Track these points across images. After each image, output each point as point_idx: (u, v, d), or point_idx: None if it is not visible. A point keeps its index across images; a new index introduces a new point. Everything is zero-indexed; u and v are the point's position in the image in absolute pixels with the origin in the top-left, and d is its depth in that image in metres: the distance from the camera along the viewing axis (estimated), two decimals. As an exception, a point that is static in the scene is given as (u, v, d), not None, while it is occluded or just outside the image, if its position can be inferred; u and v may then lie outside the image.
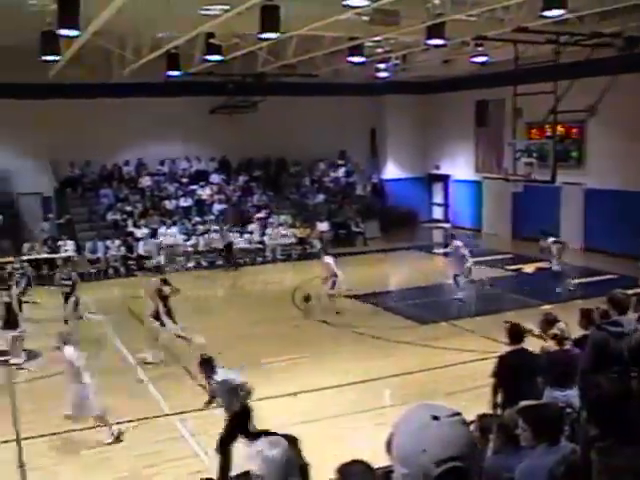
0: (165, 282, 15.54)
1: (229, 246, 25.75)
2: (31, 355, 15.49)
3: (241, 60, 23.13)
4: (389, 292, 19.88)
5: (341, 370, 13.68)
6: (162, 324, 14.93)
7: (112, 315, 18.54)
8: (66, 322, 16.51)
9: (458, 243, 19.57)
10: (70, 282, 17.12)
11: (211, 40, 19.20)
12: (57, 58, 18.97)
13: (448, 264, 19.89)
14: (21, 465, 9.86)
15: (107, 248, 25.27)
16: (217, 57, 19.92)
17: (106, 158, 28.51)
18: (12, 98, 25.08)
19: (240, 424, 9.00)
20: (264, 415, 11.13)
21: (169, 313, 15.13)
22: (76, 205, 27.48)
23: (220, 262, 25.69)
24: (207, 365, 9.41)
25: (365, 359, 14.39)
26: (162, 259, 24.99)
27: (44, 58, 18.57)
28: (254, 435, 8.78)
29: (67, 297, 17.03)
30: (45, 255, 24.34)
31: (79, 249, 25.05)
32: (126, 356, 15.10)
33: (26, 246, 24.68)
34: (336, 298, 18.31)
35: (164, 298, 15.15)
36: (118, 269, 25.06)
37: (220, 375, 9.27)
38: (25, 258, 20.58)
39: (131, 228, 26.54)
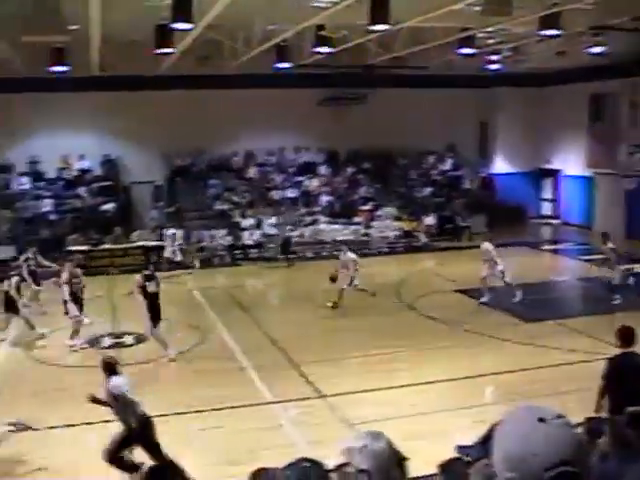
0: (149, 278, 14.46)
1: (287, 241, 25.58)
2: (140, 338, 16.00)
3: (350, 52, 23.08)
4: (493, 288, 19.45)
5: (442, 365, 13.51)
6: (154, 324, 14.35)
7: (216, 302, 18.89)
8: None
9: (488, 246, 18.80)
10: (79, 279, 16.38)
11: (320, 32, 19.23)
12: (171, 51, 19.42)
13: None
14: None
15: (213, 237, 25.80)
16: (326, 49, 19.94)
17: (215, 148, 29.10)
18: (127, 90, 25.93)
19: (137, 440, 8.54)
20: (366, 408, 11.12)
21: (153, 311, 14.27)
22: (185, 194, 28.13)
23: (325, 253, 25.74)
24: (107, 369, 8.82)
25: (467, 355, 14.16)
26: (177, 255, 24.51)
27: (158, 51, 19.07)
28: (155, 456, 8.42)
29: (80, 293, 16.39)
30: (154, 242, 25.04)
31: (187, 237, 25.67)
32: (229, 343, 15.34)
33: (135, 234, 25.47)
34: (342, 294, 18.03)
35: (150, 295, 14.26)
36: (224, 258, 25.52)
37: (114, 382, 8.67)
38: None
39: (238, 218, 26.99)
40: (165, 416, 11.09)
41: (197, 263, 24.35)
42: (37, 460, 9.58)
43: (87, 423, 10.95)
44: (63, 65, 21.63)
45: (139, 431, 8.50)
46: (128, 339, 16.10)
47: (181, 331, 16.46)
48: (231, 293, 20.58)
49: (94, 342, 15.86)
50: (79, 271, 16.59)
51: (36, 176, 27.82)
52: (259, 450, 9.46)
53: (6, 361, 14.77)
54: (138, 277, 14.52)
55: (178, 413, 11.19)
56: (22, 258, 19.50)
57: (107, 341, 15.98)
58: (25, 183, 27.52)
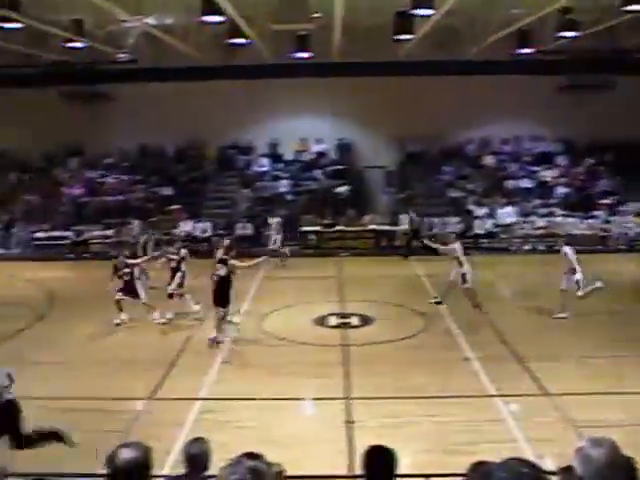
0: (223, 262, 14.82)
1: (416, 233, 24.62)
2: (366, 320, 16.27)
3: (597, 36, 21.83)
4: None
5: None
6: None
7: (443, 290, 18.72)
8: (170, 297, 16.49)
9: (567, 250, 16.63)
10: (177, 257, 16.76)
11: (567, 15, 18.41)
12: (409, 37, 19.48)
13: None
14: (349, 422, 10.42)
15: (444, 224, 25.66)
16: (571, 33, 19.06)
17: (449, 135, 28.79)
18: (364, 76, 26.35)
19: (4, 422, 8.14)
20: (592, 411, 10.56)
21: (217, 294, 14.46)
22: (417, 180, 28.16)
23: (542, 248, 24.64)
24: None
25: None
26: (278, 243, 23.90)
27: (397, 37, 19.21)
28: (26, 438, 8.09)
29: (174, 271, 16.64)
30: (385, 227, 25.34)
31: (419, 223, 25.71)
32: (454, 332, 15.19)
33: (366, 217, 25.91)
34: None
35: (218, 279, 14.53)
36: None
37: None
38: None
39: (471, 206, 26.65)
40: (383, 399, 11.24)
41: (287, 252, 23.77)
42: (263, 430, 10.03)
43: (306, 399, 11.38)
44: (306, 52, 22.47)
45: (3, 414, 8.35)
46: (354, 320, 16.42)
47: (408, 317, 16.51)
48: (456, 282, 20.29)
49: (321, 321, 16.34)
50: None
51: (275, 158, 29.19)
52: (476, 442, 9.28)
53: (239, 333, 15.61)
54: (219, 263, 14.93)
55: (397, 397, 11.25)
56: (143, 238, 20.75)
57: (333, 321, 16.39)
58: (265, 164, 28.96)
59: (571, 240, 24.60)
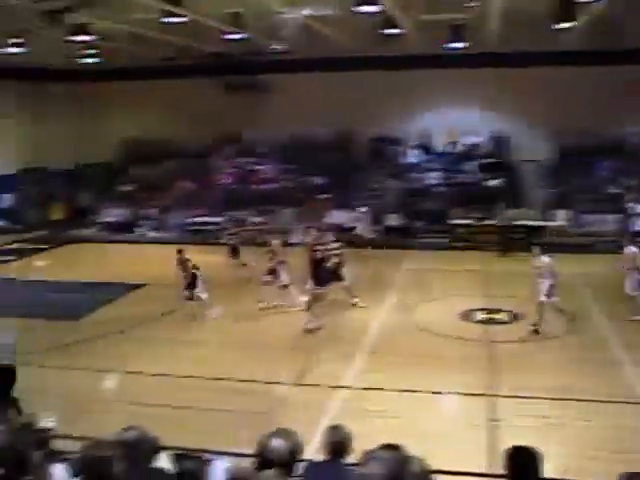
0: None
1: (505, 228, 23.80)
2: (515, 316, 15.88)
3: None
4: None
5: None
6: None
7: (596, 289, 17.99)
8: (285, 287, 16.82)
9: (634, 249, 15.36)
10: (272, 248, 17.28)
11: None
12: (571, 25, 18.81)
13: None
14: (492, 420, 10.25)
15: (602, 221, 24.69)
16: None
17: (608, 128, 27.45)
18: (519, 67, 25.68)
19: None
20: None
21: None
22: (573, 175, 27.08)
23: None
24: None
25: None
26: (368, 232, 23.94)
27: (557, 26, 18.58)
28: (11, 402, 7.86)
29: (278, 264, 17.00)
30: (534, 222, 24.65)
31: (573, 219, 24.86)
32: (606, 333, 14.56)
33: (517, 212, 25.27)
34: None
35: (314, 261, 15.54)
36: (611, 243, 24.22)
37: None
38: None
39: (629, 203, 25.47)
40: (527, 398, 10.98)
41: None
42: (404, 422, 10.04)
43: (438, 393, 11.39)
44: (460, 42, 22.14)
45: None
46: (502, 316, 16.12)
47: (556, 315, 15.97)
48: (613, 281, 19.45)
49: (467, 315, 16.11)
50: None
51: (426, 149, 28.95)
52: (622, 451, 8.89)
53: (384, 324, 15.67)
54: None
55: (542, 398, 10.97)
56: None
57: (480, 316, 16.13)
58: (415, 155, 28.79)
59: None
